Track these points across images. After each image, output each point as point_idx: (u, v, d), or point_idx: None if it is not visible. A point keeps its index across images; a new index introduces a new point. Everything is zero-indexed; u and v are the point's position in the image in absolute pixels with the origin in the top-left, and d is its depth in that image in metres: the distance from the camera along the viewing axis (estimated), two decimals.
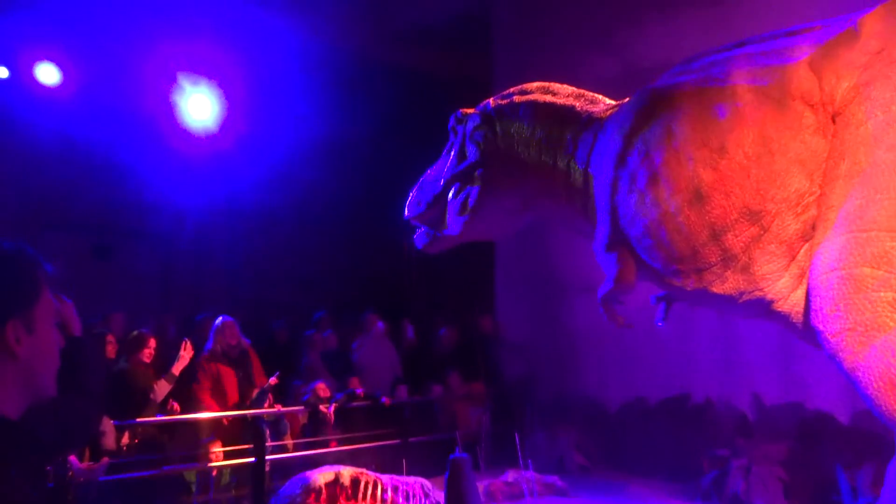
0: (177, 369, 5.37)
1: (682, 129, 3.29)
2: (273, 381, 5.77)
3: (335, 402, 6.12)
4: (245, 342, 6.09)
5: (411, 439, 6.43)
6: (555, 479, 5.77)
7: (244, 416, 5.65)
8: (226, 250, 10.07)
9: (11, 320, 1.19)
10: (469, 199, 4.09)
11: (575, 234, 4.37)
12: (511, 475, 5.70)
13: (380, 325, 7.70)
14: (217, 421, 5.67)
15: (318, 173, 9.43)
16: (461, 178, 4.12)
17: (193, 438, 5.58)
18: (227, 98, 8.31)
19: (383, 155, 9.56)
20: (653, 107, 3.49)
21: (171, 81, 8.08)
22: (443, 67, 9.57)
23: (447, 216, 4.20)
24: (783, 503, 4.96)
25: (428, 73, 9.61)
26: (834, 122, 2.90)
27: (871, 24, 2.87)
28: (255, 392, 5.78)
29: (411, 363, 7.90)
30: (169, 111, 8.13)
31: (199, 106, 8.19)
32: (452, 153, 4.26)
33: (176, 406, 5.45)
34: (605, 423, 6.78)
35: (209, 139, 8.38)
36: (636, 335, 6.41)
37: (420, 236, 4.41)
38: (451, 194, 4.17)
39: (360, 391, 6.43)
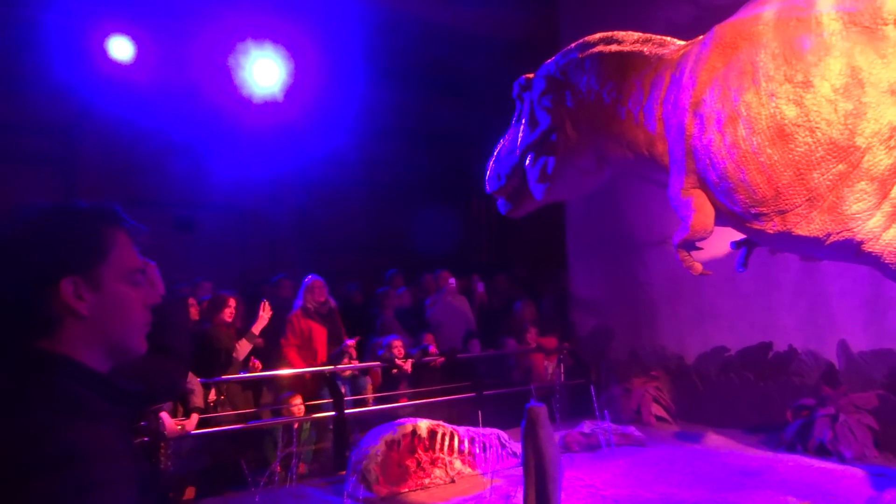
0: (257, 328, 5.57)
1: (762, 64, 3.14)
2: (351, 342, 5.93)
3: (411, 358, 6.22)
4: (332, 301, 6.28)
5: (486, 393, 6.49)
6: (632, 430, 5.74)
7: (323, 372, 5.81)
8: (299, 219, 10.29)
9: (71, 276, 1.17)
10: (547, 167, 4.11)
11: (650, 185, 4.28)
12: (588, 426, 5.69)
13: (452, 281, 7.76)
14: (301, 377, 5.86)
15: (385, 139, 9.48)
16: (536, 146, 4.13)
17: (277, 394, 5.79)
18: (293, 63, 8.35)
19: (449, 120, 9.51)
20: (730, 42, 3.33)
21: (239, 50, 8.17)
22: (506, 29, 9.36)
23: (528, 184, 4.25)
24: (873, 452, 4.79)
25: (491, 35, 9.41)
26: None
27: None
28: (335, 350, 5.95)
29: (485, 319, 7.96)
30: (235, 82, 8.23)
31: (266, 72, 8.25)
32: (523, 121, 4.26)
33: (258, 364, 5.65)
34: (682, 375, 6.66)
35: (276, 109, 8.46)
36: (714, 288, 6.30)
37: (503, 203, 4.49)
38: (528, 162, 4.20)
39: (432, 347, 6.51)
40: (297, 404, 5.58)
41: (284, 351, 5.96)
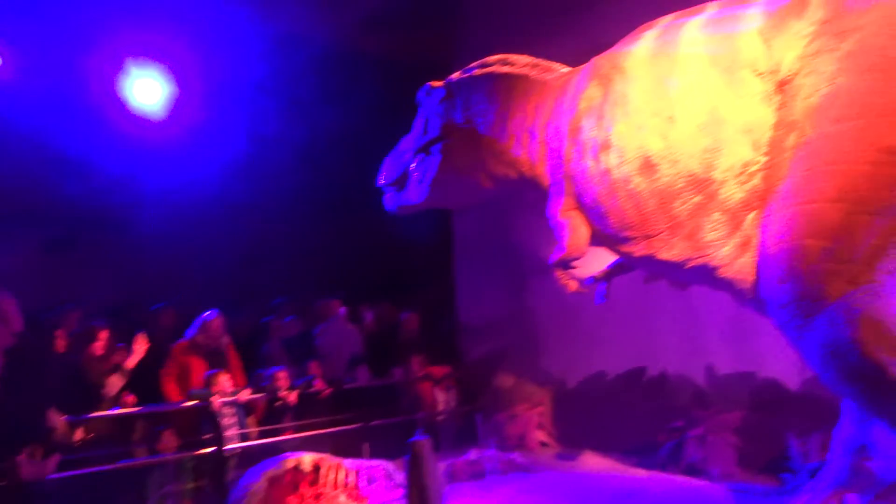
0: (130, 363, 5.28)
1: (634, 97, 3.34)
2: (225, 376, 5.64)
3: (295, 389, 6.07)
4: (227, 338, 6.08)
5: (373, 423, 6.42)
6: (516, 456, 5.83)
7: (200, 406, 5.56)
8: (183, 239, 9.85)
9: None
10: (430, 172, 4.32)
11: (532, 207, 4.47)
12: (473, 454, 5.74)
13: (341, 310, 7.67)
14: (179, 411, 5.58)
15: (275, 160, 9.28)
16: (424, 150, 4.37)
17: (152, 430, 5.50)
18: (179, 83, 8.09)
19: (343, 141, 9.45)
20: (606, 75, 3.53)
21: (119, 66, 7.84)
22: (405, 51, 9.47)
23: (412, 185, 4.49)
24: (737, 469, 5.09)
25: (390, 57, 9.49)
26: (781, 91, 2.93)
27: None
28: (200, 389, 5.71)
29: (373, 347, 7.90)
30: (116, 96, 7.89)
31: (149, 90, 7.96)
32: (420, 126, 4.51)
33: (130, 399, 5.35)
34: (565, 400, 6.84)
35: (162, 125, 8.16)
36: (596, 314, 6.51)
37: (389, 200, 4.73)
38: (415, 165, 4.44)
39: (318, 377, 6.40)
40: (172, 440, 5.31)
41: (162, 383, 5.69)
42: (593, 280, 4.17)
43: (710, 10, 3.33)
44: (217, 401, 5.44)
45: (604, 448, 6.21)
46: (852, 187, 2.55)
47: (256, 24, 8.22)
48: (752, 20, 3.07)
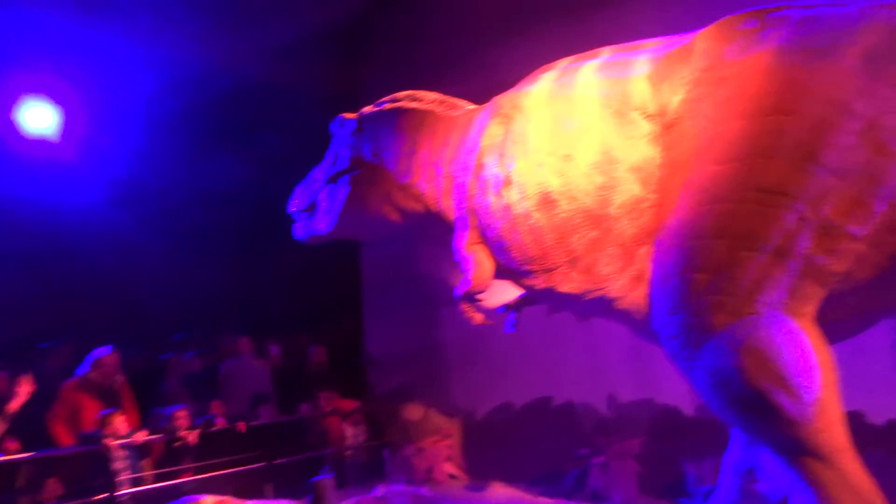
0: (12, 407, 4.95)
1: (533, 136, 3.45)
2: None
3: (196, 429, 5.84)
4: (122, 377, 5.80)
5: (278, 461, 6.24)
6: (424, 490, 5.79)
7: (92, 449, 5.27)
8: (75, 271, 9.36)
9: None
10: (338, 202, 4.36)
11: (439, 241, 4.53)
12: (380, 490, 5.65)
13: (246, 344, 7.48)
14: (68, 456, 5.26)
15: (175, 189, 9.00)
16: (333, 181, 4.41)
17: (37, 477, 5.16)
18: (72, 114, 7.76)
19: (248, 171, 9.28)
20: (507, 114, 3.64)
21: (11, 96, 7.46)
22: (311, 84, 9.43)
23: (320, 214, 4.50)
24: (638, 495, 5.24)
25: (295, 89, 9.42)
26: (668, 133, 3.08)
27: (702, 42, 3.09)
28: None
29: (280, 383, 7.71)
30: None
31: (39, 118, 7.60)
32: (330, 155, 4.56)
33: (12, 446, 5.01)
34: (474, 432, 6.88)
35: (53, 152, 7.79)
36: (504, 346, 6.63)
37: (298, 228, 4.71)
38: (324, 194, 4.47)
39: (220, 415, 6.19)
40: (58, 488, 4.99)
41: (50, 426, 5.37)
42: (504, 309, 4.24)
43: (604, 54, 3.50)
44: (111, 443, 5.16)
45: (511, 478, 6.25)
46: (733, 225, 2.70)
47: (157, 52, 8.02)
48: (642, 66, 3.23)
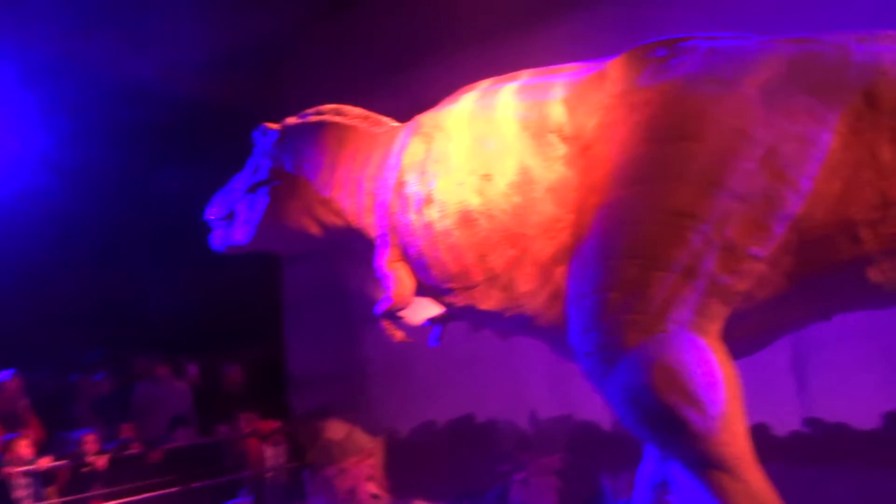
0: None
1: (454, 155, 3.49)
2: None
3: (105, 453, 5.60)
4: (25, 401, 5.51)
5: (195, 485, 6.04)
6: None
7: None
8: None
9: None
10: (256, 213, 4.29)
11: (361, 258, 4.52)
12: None
13: (163, 365, 7.24)
14: None
15: (85, 203, 8.64)
16: (252, 190, 4.35)
17: None
18: None
19: (162, 185, 9.01)
20: (428, 133, 3.68)
21: None
22: (233, 100, 9.27)
23: (238, 225, 4.42)
24: None
25: (214, 105, 9.23)
26: (584, 156, 3.17)
27: (616, 69, 3.21)
28: None
29: (199, 404, 7.49)
30: None
31: None
32: (251, 165, 4.49)
33: None
34: (397, 450, 6.84)
35: None
36: (426, 364, 6.64)
37: (216, 238, 4.61)
38: (243, 204, 4.39)
39: (132, 439, 5.96)
40: None
41: None
42: (430, 322, 4.22)
43: (523, 77, 3.58)
44: (13, 470, 4.89)
45: (434, 496, 6.23)
46: (644, 245, 2.80)
47: (79, 65, 7.76)
48: (559, 90, 3.33)
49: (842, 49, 2.76)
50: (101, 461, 5.52)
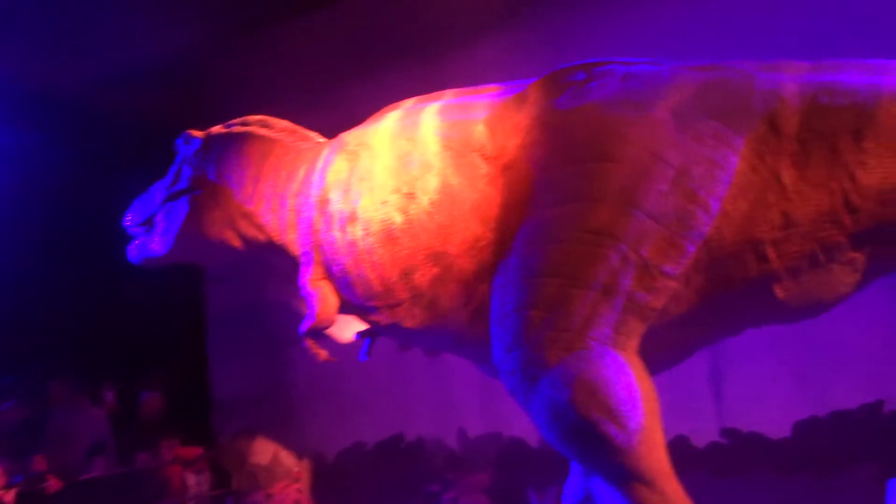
0: None
1: (378, 173, 3.49)
2: None
3: (14, 487, 5.32)
4: None
5: None
6: None
7: None
8: None
9: None
10: (175, 223, 4.14)
11: (285, 276, 4.45)
12: None
13: (75, 391, 6.94)
14: None
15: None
16: (171, 200, 4.19)
17: None
18: None
19: (79, 200, 8.68)
20: (353, 151, 3.67)
21: None
22: (154, 115, 9.05)
23: (157, 234, 4.23)
24: None
25: (132, 118, 8.98)
26: (505, 176, 3.22)
27: (535, 91, 3.28)
28: None
29: (116, 431, 7.21)
30: None
31: None
32: (172, 172, 4.32)
33: None
34: (325, 474, 6.73)
35: None
36: (353, 384, 6.57)
37: (134, 248, 4.39)
38: (162, 214, 4.22)
39: (45, 471, 5.68)
40: None
41: None
42: (359, 336, 4.17)
43: (447, 97, 3.62)
44: None
45: None
46: (565, 264, 2.86)
47: None
48: (482, 110, 3.38)
49: (747, 77, 2.90)
50: (9, 496, 5.23)
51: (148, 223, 4.33)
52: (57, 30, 7.72)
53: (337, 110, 6.42)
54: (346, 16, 7.22)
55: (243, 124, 4.25)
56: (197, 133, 4.34)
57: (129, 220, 4.47)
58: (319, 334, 3.81)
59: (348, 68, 6.95)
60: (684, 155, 2.79)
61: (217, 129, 4.31)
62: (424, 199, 3.33)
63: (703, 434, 5.00)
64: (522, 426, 5.62)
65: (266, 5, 7.56)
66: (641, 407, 2.74)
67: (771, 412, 4.87)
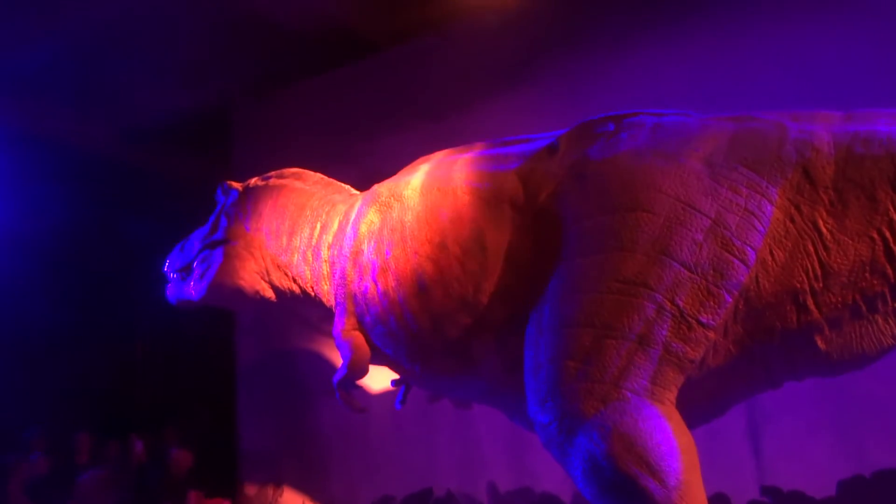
0: None
1: (409, 224, 3.54)
2: None
3: None
4: None
5: None
6: None
7: None
8: None
9: None
10: (210, 271, 4.28)
11: (317, 327, 4.48)
12: None
13: (102, 443, 6.95)
14: None
15: (27, 270, 8.38)
16: (209, 248, 4.35)
17: None
18: None
19: (109, 254, 8.84)
20: (385, 202, 3.73)
21: None
22: (179, 168, 9.26)
23: (192, 280, 4.39)
24: None
25: (163, 173, 9.19)
26: (537, 225, 3.23)
27: (566, 142, 3.31)
28: None
29: (145, 483, 7.17)
30: None
31: None
32: (211, 221, 4.50)
33: None
34: None
35: None
36: (380, 436, 6.51)
37: (171, 290, 4.57)
38: (198, 261, 4.38)
39: None
40: None
41: None
42: (394, 384, 4.17)
43: (477, 148, 3.67)
44: None
45: None
46: (599, 313, 2.83)
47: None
48: (513, 160, 3.42)
49: (779, 127, 2.90)
50: None
51: (185, 270, 4.45)
52: (91, 85, 7.96)
53: (366, 164, 6.54)
54: (373, 70, 7.39)
55: (279, 177, 4.37)
56: (235, 184, 4.47)
57: (167, 266, 4.59)
58: (353, 384, 3.80)
59: (377, 123, 7.07)
60: (719, 204, 2.78)
61: (254, 180, 4.43)
62: (456, 249, 3.35)
63: (743, 492, 4.84)
64: (554, 480, 5.50)
65: (292, 61, 7.76)
66: (681, 461, 2.67)
67: (813, 468, 4.70)
